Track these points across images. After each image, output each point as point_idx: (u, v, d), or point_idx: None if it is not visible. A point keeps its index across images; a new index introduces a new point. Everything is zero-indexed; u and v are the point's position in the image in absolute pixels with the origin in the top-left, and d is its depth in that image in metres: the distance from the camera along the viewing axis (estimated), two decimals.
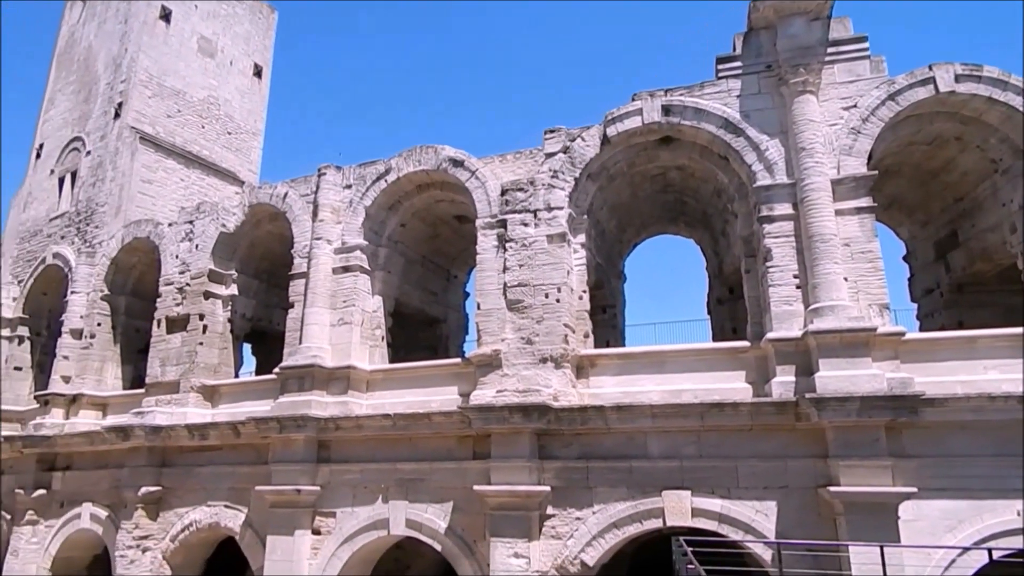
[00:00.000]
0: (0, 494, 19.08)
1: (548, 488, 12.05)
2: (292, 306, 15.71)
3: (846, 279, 11.47)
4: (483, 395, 12.74)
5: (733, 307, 16.18)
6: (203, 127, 24.72)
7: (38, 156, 25.07)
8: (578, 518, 11.92)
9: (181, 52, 24.48)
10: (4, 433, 19.72)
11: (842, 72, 12.78)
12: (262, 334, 19.61)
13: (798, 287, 11.79)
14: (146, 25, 23.45)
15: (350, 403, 14.31)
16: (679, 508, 11.26)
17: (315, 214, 15.88)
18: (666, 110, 13.35)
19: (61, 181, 23.35)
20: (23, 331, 21.66)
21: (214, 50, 25.74)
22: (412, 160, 15.40)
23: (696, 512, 11.21)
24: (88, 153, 22.77)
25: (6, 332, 21.70)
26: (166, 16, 24.20)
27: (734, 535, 10.84)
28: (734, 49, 13.56)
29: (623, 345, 16.67)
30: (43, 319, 21.90)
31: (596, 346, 14.17)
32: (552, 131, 14.31)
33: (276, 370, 15.06)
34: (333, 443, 14.22)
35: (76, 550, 17.83)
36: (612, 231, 16.76)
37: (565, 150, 13.98)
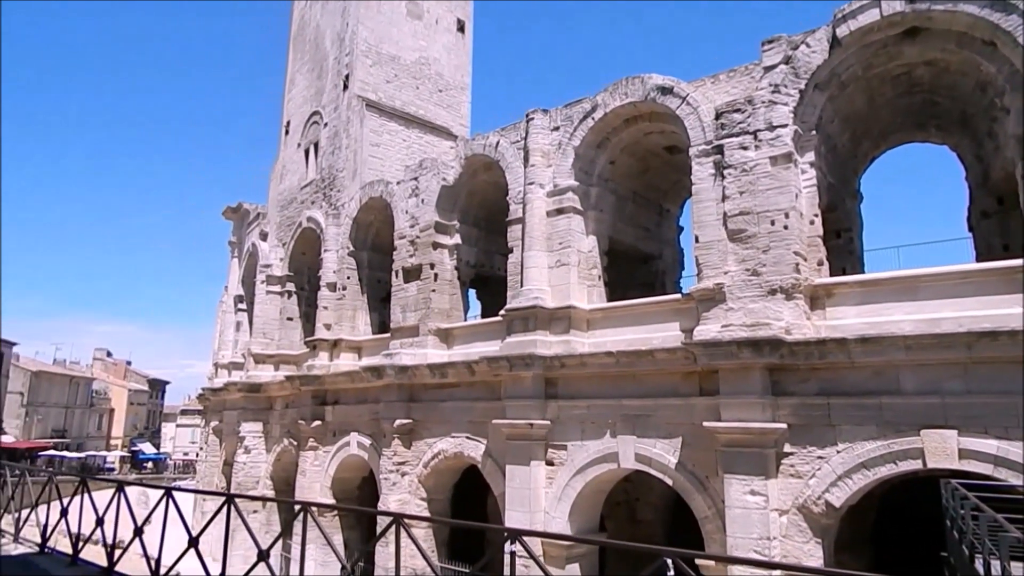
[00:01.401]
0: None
1: (784, 425, 11.48)
2: (511, 251, 16.37)
3: None
4: (707, 330, 12.35)
5: (1004, 220, 13.88)
6: (417, 88, 26.29)
7: (286, 132, 28.57)
8: (820, 457, 11.24)
9: (393, 19, 26.06)
10: (284, 373, 23.38)
11: None
12: (485, 279, 20.83)
13: None
14: None
15: (572, 342, 14.72)
16: (942, 449, 10.12)
17: (526, 159, 16.24)
18: None
19: (307, 152, 26.42)
20: (290, 286, 25.27)
21: (420, 12, 27.03)
22: (618, 94, 15.01)
23: (964, 453, 10.00)
24: (325, 125, 25.40)
25: (276, 288, 25.45)
26: None
27: (1015, 480, 9.51)
28: None
29: (863, 272, 15.12)
30: (304, 275, 25.31)
31: (832, 274, 13.01)
32: (771, 41, 13.04)
33: (501, 312, 15.93)
34: (559, 380, 14.79)
35: (348, 472, 20.77)
36: (845, 145, 15.04)
37: (787, 60, 12.70)
